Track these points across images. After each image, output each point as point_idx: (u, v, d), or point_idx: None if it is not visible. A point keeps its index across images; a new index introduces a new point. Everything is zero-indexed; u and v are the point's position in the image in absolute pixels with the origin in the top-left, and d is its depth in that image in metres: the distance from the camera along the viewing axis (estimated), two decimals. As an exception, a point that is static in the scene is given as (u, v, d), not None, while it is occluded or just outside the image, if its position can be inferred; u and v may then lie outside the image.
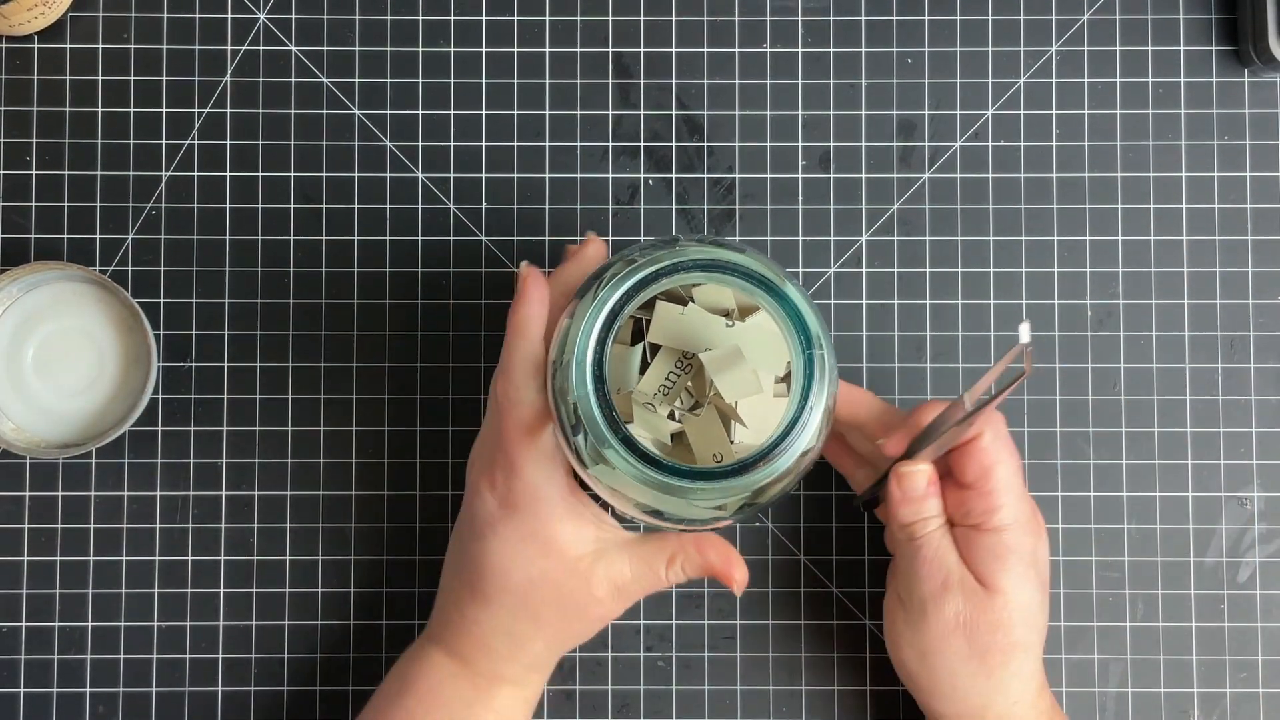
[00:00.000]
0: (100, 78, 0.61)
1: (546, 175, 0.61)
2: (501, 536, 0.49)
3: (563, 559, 0.49)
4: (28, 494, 0.60)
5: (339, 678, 0.60)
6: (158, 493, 0.60)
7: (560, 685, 0.60)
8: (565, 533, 0.49)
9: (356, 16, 0.61)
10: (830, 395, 0.45)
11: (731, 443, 0.50)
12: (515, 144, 0.61)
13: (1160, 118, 0.62)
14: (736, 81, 0.62)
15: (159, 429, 0.60)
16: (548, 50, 0.62)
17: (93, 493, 0.60)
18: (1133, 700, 0.60)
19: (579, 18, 0.62)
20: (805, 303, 0.45)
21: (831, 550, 0.61)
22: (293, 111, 0.61)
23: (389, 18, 0.61)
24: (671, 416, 0.51)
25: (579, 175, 0.61)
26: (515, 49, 0.62)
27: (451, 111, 0.61)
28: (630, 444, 0.44)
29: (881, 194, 0.61)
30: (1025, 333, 0.45)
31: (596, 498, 0.50)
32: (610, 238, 0.61)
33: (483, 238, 0.61)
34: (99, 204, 0.61)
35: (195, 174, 0.61)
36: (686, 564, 0.51)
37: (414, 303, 0.61)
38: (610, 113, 0.61)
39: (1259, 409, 0.61)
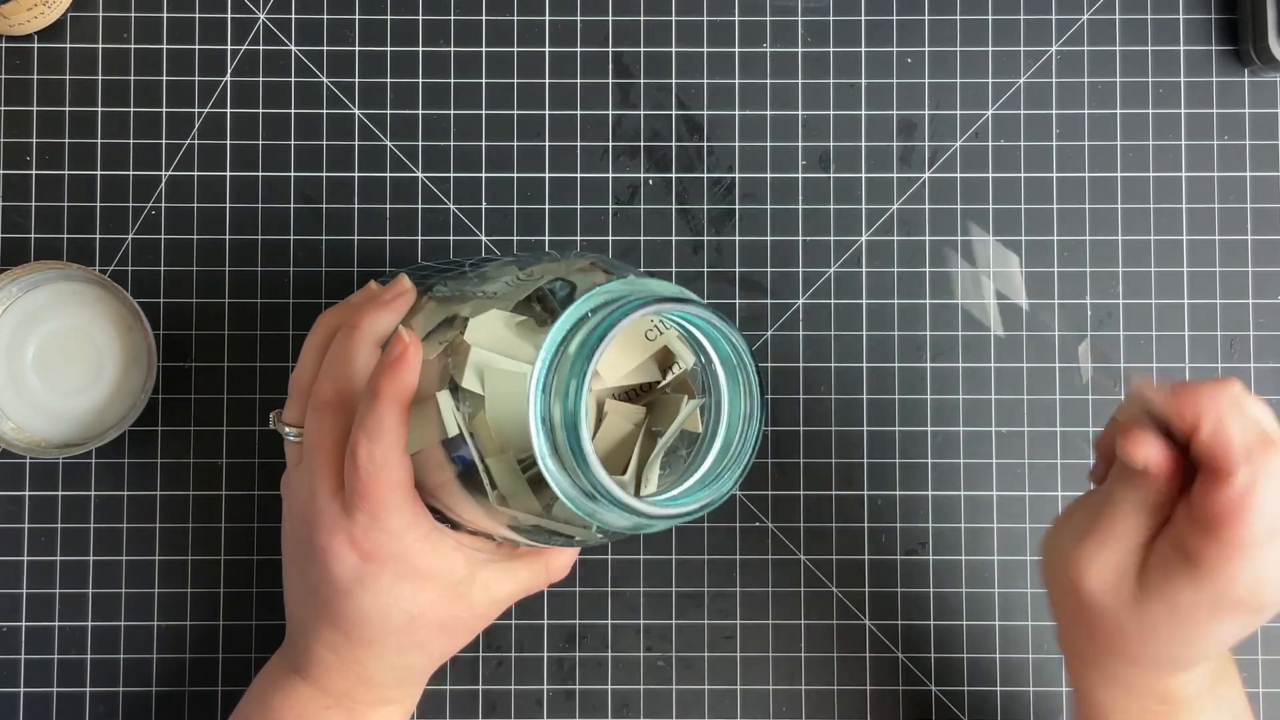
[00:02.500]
0: (100, 78, 0.61)
1: (546, 175, 0.61)
2: (373, 589, 0.48)
3: (440, 590, 0.49)
4: (28, 494, 0.60)
5: (339, 678, 0.60)
6: (158, 493, 0.60)
7: (560, 685, 0.60)
8: (437, 566, 0.49)
9: (356, 16, 0.61)
10: None
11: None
12: (515, 144, 0.61)
13: (1160, 117, 0.62)
14: (736, 81, 0.62)
15: (159, 429, 0.60)
16: (548, 50, 0.62)
17: (93, 493, 0.60)
18: (1133, 700, 0.60)
19: (579, 18, 0.62)
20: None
21: (831, 550, 0.61)
22: (293, 111, 0.61)
23: (389, 18, 0.61)
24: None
25: (579, 175, 0.61)
26: (515, 49, 0.62)
27: (451, 111, 0.61)
28: (617, 500, 0.43)
29: (881, 194, 0.61)
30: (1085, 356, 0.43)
31: (438, 514, 0.49)
32: (610, 237, 0.61)
33: (483, 238, 0.61)
34: (99, 204, 0.61)
35: (195, 174, 0.61)
36: (558, 562, 0.53)
37: (414, 303, 0.61)
38: (610, 113, 0.61)
39: (1259, 409, 0.61)
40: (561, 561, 0.52)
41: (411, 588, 0.48)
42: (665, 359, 0.48)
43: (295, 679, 0.52)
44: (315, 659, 0.51)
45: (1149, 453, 0.44)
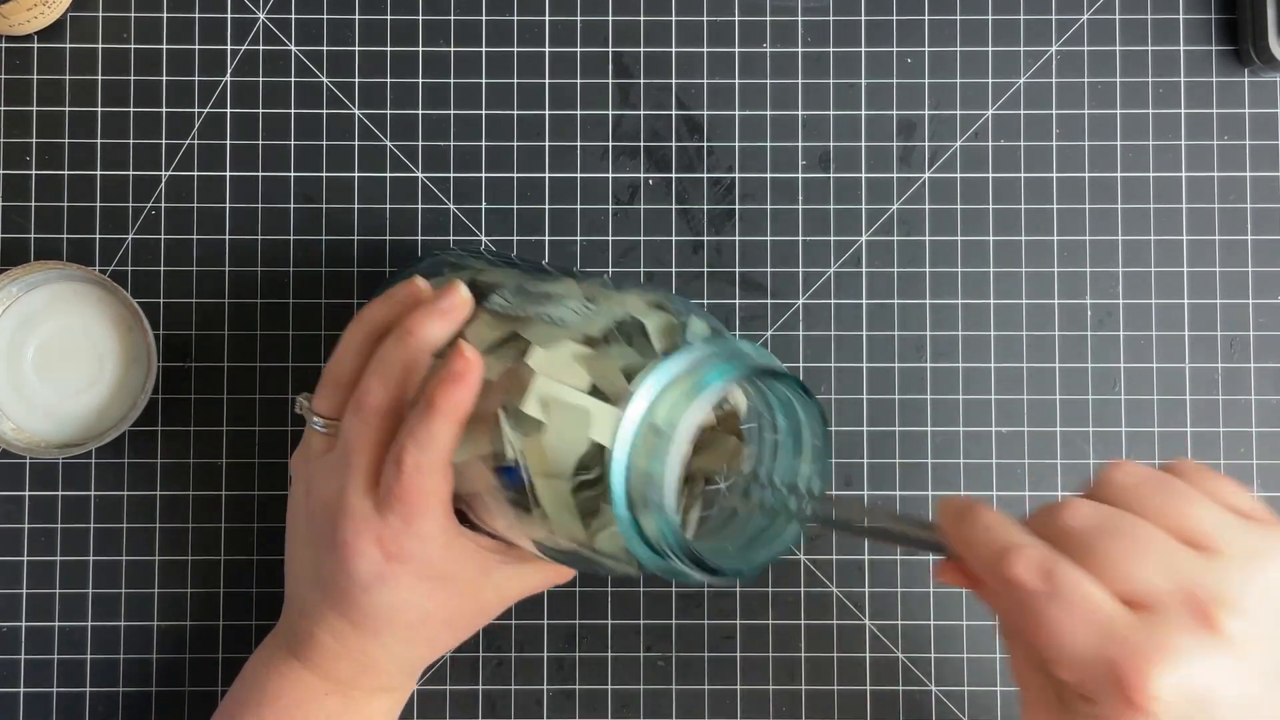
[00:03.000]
0: (100, 78, 0.61)
1: (546, 175, 0.61)
2: (392, 587, 0.48)
3: (456, 590, 0.50)
4: (28, 494, 0.60)
5: (339, 678, 0.60)
6: (158, 493, 0.60)
7: (560, 685, 0.60)
8: (456, 568, 0.49)
9: (356, 16, 0.61)
10: None
11: None
12: (515, 144, 0.61)
13: (1160, 118, 0.62)
14: (736, 81, 0.62)
15: (159, 429, 0.60)
16: (548, 50, 0.62)
17: (93, 493, 0.60)
18: (1133, 700, 0.60)
19: (579, 18, 0.62)
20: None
21: (832, 550, 0.61)
22: (293, 111, 0.61)
23: (389, 18, 0.61)
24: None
25: (579, 175, 0.61)
26: (515, 49, 0.62)
27: (451, 111, 0.61)
28: (700, 560, 0.43)
29: (881, 194, 0.61)
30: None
31: (460, 514, 0.50)
32: (610, 237, 0.61)
33: (483, 237, 0.61)
34: (99, 204, 0.61)
35: (195, 174, 0.61)
36: (567, 571, 0.54)
37: (414, 303, 0.61)
38: (610, 113, 0.61)
39: (1259, 409, 0.61)
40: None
41: (429, 586, 0.49)
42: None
43: (293, 662, 0.52)
44: (318, 644, 0.51)
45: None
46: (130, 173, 0.61)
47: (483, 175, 0.61)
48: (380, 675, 0.52)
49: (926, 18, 0.62)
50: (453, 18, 0.62)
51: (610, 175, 0.61)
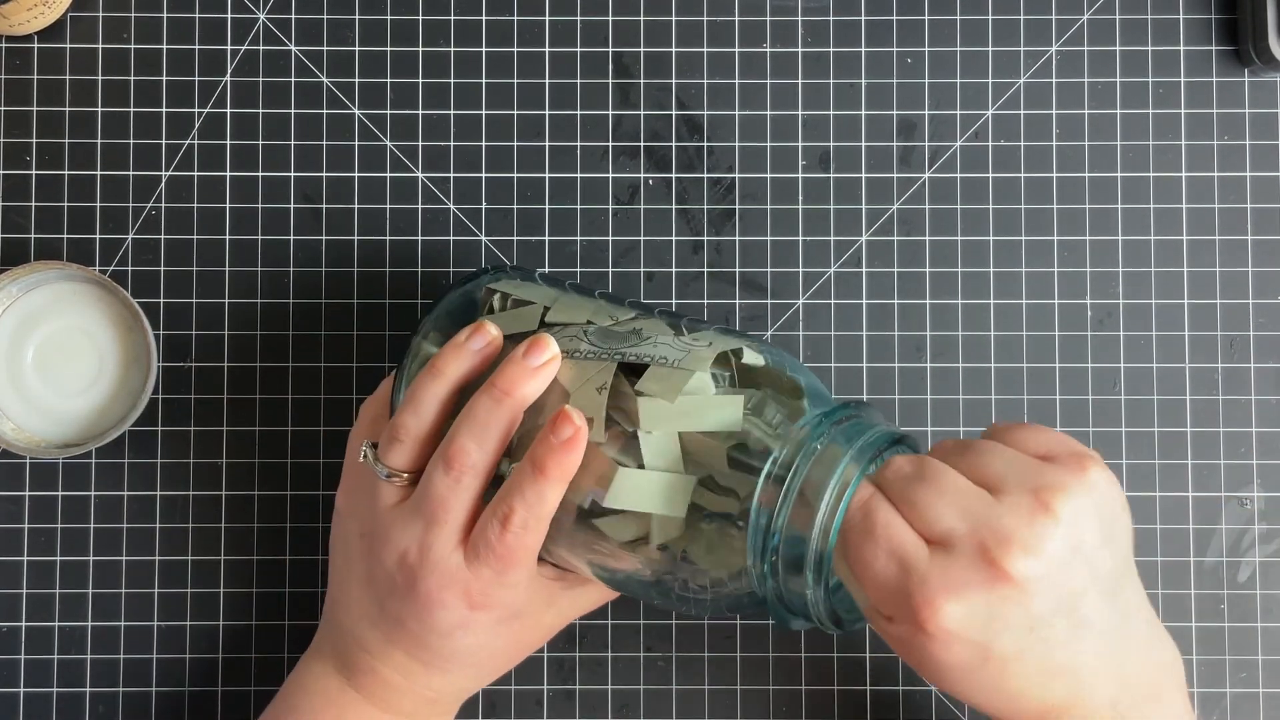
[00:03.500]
0: (100, 78, 0.61)
1: (546, 175, 0.61)
2: (474, 632, 0.50)
3: (527, 625, 0.52)
4: (28, 494, 0.60)
5: (339, 678, 0.60)
6: (158, 493, 0.60)
7: (560, 685, 0.60)
8: (531, 607, 0.51)
9: (356, 16, 0.61)
10: None
11: None
12: (515, 144, 0.61)
13: (1160, 118, 0.62)
14: (736, 81, 0.62)
15: (159, 429, 0.60)
16: (548, 50, 0.62)
17: (93, 493, 0.60)
18: (1133, 700, 0.60)
19: (579, 18, 0.62)
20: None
21: (831, 550, 0.61)
22: (293, 111, 0.61)
23: (389, 18, 0.61)
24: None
25: (579, 175, 0.61)
26: (515, 49, 0.62)
27: (451, 111, 0.61)
28: (838, 619, 0.46)
29: (881, 194, 0.61)
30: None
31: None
32: (610, 237, 0.61)
33: (483, 238, 0.61)
34: (99, 204, 0.61)
35: (195, 174, 0.61)
36: (609, 595, 0.56)
37: (414, 303, 0.61)
38: (610, 113, 0.61)
39: (1259, 409, 0.61)
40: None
41: (506, 629, 0.50)
42: None
43: (350, 693, 0.52)
44: (382, 681, 0.51)
45: None
46: (130, 173, 0.61)
47: (483, 175, 0.61)
48: (441, 704, 0.53)
49: (926, 18, 0.62)
50: (453, 18, 0.62)
51: (610, 175, 0.61)
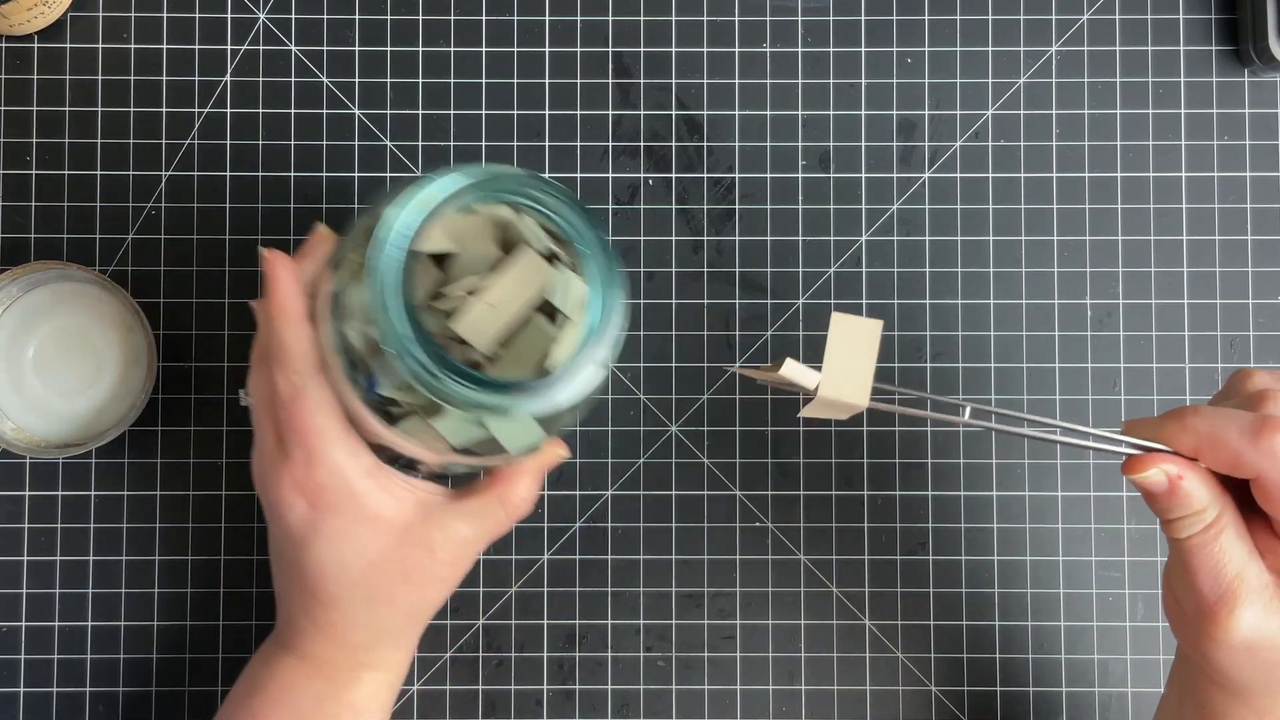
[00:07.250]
0: (100, 78, 0.61)
1: (546, 175, 0.61)
2: (326, 536, 0.48)
3: (396, 533, 0.48)
4: (28, 494, 0.60)
5: (339, 678, 0.60)
6: (158, 493, 0.60)
7: (560, 685, 0.60)
8: (388, 507, 0.48)
9: (356, 16, 0.61)
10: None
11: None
12: (515, 144, 0.61)
13: (1160, 118, 0.62)
14: (736, 81, 0.62)
15: (159, 429, 0.60)
16: (548, 50, 0.62)
17: (93, 493, 0.60)
18: (1132, 700, 0.60)
19: (579, 18, 0.62)
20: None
21: (831, 550, 0.61)
22: (293, 111, 0.61)
23: (389, 18, 0.61)
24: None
25: (579, 175, 0.61)
26: (515, 49, 0.62)
27: (451, 111, 0.61)
28: (469, 375, 0.42)
29: (881, 194, 0.61)
30: None
31: (389, 459, 0.49)
32: (610, 237, 0.61)
33: (483, 238, 0.61)
34: (99, 204, 0.61)
35: (195, 174, 0.61)
36: (516, 495, 0.50)
37: (414, 303, 0.61)
38: (610, 113, 0.62)
39: (1259, 409, 0.61)
40: (519, 495, 0.51)
41: (365, 532, 0.48)
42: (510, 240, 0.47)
43: (279, 650, 0.52)
44: (295, 627, 0.51)
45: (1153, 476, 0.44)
46: (130, 173, 0.61)
47: (483, 175, 0.61)
48: (352, 648, 0.51)
49: (926, 18, 0.62)
50: (453, 18, 0.62)
51: (610, 175, 0.61)
